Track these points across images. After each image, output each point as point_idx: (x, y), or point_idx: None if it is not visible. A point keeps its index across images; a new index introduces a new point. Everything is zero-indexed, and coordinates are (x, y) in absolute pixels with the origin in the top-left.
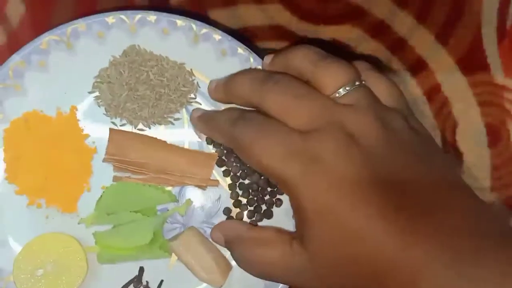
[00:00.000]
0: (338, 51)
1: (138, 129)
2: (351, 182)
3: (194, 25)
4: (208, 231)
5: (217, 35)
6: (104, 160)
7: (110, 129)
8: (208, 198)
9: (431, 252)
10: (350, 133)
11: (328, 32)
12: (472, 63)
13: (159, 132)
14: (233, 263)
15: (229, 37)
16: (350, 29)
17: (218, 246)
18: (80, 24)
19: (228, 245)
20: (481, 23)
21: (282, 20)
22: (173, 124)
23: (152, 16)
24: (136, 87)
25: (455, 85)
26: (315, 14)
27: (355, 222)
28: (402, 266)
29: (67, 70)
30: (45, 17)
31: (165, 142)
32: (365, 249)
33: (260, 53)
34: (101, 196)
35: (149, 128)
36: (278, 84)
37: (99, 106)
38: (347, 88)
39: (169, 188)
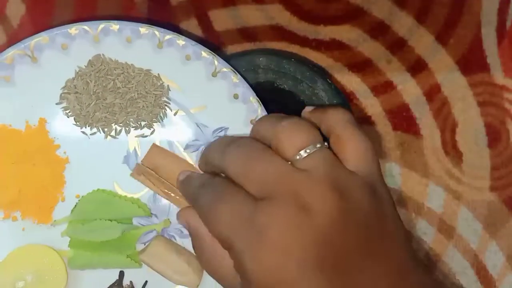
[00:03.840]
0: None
1: (111, 136)
2: (296, 263)
3: (157, 31)
4: (185, 231)
5: (181, 41)
6: (135, 168)
7: (153, 144)
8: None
9: None
10: (303, 204)
11: (328, 32)
12: (472, 63)
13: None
14: None
15: (193, 42)
16: (350, 29)
17: (191, 248)
18: (43, 37)
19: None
20: (481, 23)
21: (282, 20)
22: (150, 128)
23: (115, 26)
24: (104, 95)
25: (455, 85)
26: (315, 14)
27: None
28: None
29: (34, 83)
30: (45, 17)
31: (196, 168)
32: None
33: (228, 57)
34: (76, 204)
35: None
36: (238, 146)
37: (68, 116)
38: (307, 151)
39: (144, 201)
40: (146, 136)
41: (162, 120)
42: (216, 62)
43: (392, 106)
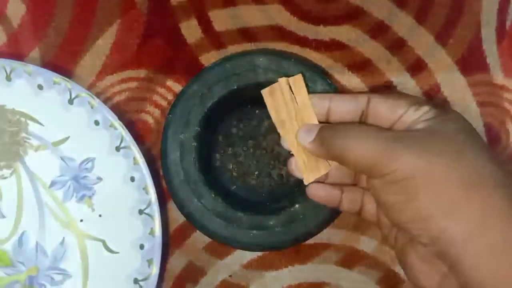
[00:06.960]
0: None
1: None
2: None
3: (2, 64)
4: (57, 277)
5: (29, 70)
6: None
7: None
8: (51, 241)
9: None
10: None
11: (328, 32)
12: (471, 63)
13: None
14: None
15: (42, 70)
16: (350, 30)
17: None
18: None
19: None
20: (481, 24)
21: (282, 21)
22: (10, 168)
23: None
24: None
25: (454, 85)
26: (315, 15)
27: None
28: None
29: None
30: (45, 17)
31: None
32: None
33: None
34: None
35: None
36: None
37: None
38: None
39: (7, 248)
40: (6, 178)
41: (23, 158)
42: (70, 88)
43: None
